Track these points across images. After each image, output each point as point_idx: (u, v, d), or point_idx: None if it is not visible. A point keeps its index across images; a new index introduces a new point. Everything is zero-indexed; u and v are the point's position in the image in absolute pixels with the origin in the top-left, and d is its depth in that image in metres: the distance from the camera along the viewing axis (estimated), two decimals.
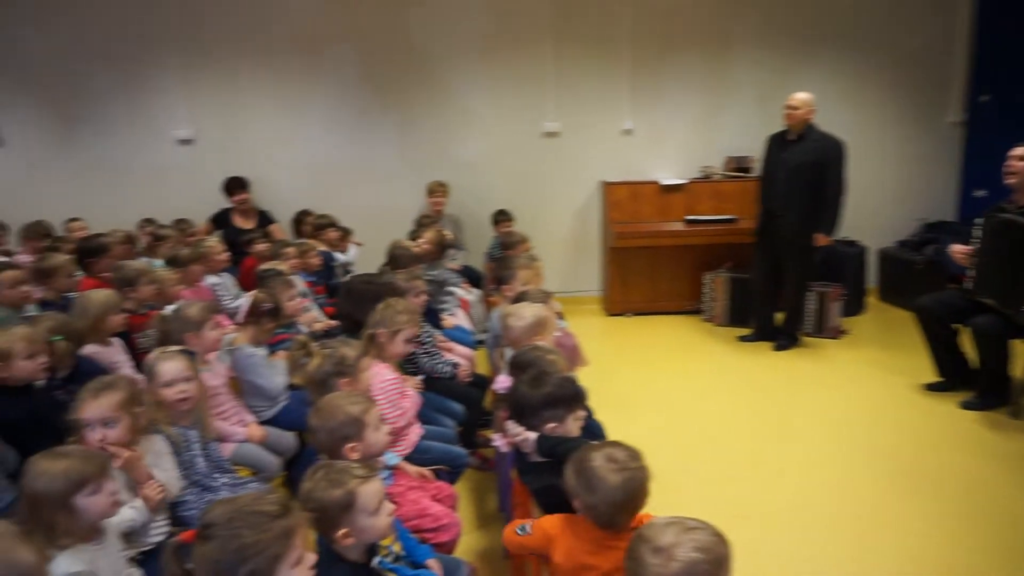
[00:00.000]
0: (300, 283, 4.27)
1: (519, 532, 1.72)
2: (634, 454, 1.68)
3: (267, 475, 2.78)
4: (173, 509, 2.23)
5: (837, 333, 5.28)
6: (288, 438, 2.99)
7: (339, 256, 5.13)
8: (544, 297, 2.86)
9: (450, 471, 2.64)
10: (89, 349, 2.91)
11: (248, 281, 4.71)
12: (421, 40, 5.83)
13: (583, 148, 6.07)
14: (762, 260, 5.08)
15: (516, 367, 2.33)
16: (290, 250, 4.29)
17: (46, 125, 5.80)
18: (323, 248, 4.93)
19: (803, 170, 4.68)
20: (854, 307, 5.76)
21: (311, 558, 1.39)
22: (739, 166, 5.96)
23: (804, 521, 2.90)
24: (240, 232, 5.35)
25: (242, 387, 3.02)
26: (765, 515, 2.94)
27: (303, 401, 3.09)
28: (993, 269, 3.73)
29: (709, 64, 6.00)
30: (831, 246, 4.98)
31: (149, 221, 5.29)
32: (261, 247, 4.88)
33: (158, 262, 4.29)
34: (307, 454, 3.04)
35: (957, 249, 3.92)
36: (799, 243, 4.81)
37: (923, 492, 3.09)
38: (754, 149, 5.55)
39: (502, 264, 3.50)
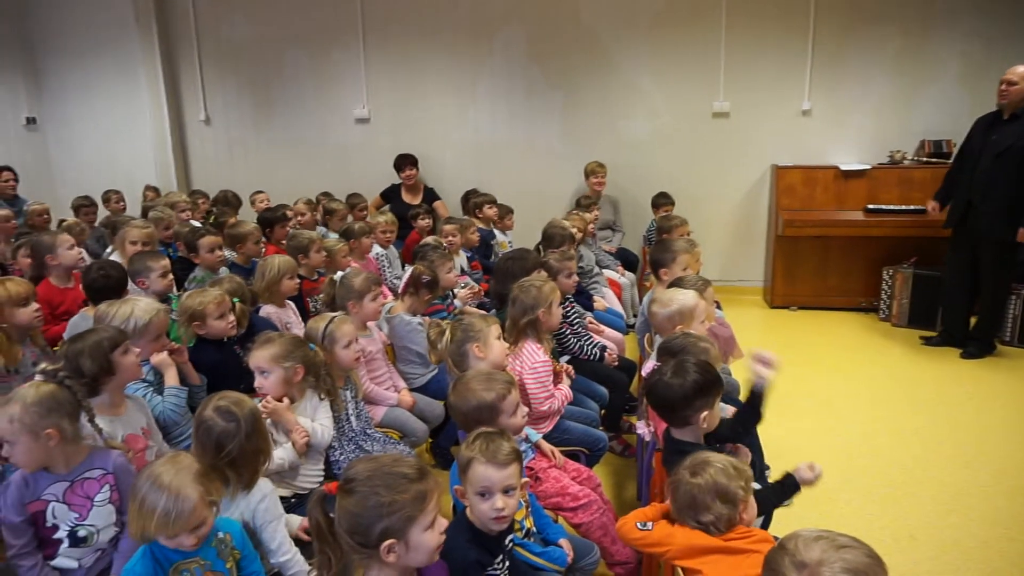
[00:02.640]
0: (462, 258, 4.43)
1: (640, 527, 1.65)
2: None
3: (414, 440, 2.91)
4: (329, 461, 2.40)
5: None
6: (436, 406, 3.11)
7: (499, 234, 5.24)
8: (702, 285, 2.73)
9: (589, 454, 2.62)
10: (267, 310, 3.19)
11: (411, 254, 4.96)
12: (589, 17, 5.77)
13: (754, 129, 5.74)
14: (957, 256, 4.55)
15: (665, 353, 2.26)
16: (449, 227, 4.43)
17: (245, 105, 6.42)
18: (481, 226, 5.05)
19: (1013, 155, 4.12)
20: None
21: (443, 523, 1.43)
22: (936, 151, 5.35)
23: (988, 549, 2.58)
24: (407, 207, 5.62)
25: (398, 354, 3.18)
26: (938, 538, 2.64)
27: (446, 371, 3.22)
28: None
29: (907, 37, 5.41)
30: None
31: (326, 195, 5.70)
32: (424, 222, 5.10)
33: (333, 234, 4.61)
34: (452, 423, 3.17)
35: None
36: (1000, 238, 4.25)
37: None
38: (956, 132, 4.96)
39: (661, 247, 3.38)
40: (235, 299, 2.80)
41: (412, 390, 3.08)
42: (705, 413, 1.89)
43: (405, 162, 5.88)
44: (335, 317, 2.61)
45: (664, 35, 5.69)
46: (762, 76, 5.63)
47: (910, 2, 5.35)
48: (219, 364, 2.67)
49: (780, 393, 3.92)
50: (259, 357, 2.25)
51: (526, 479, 1.81)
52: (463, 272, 4.26)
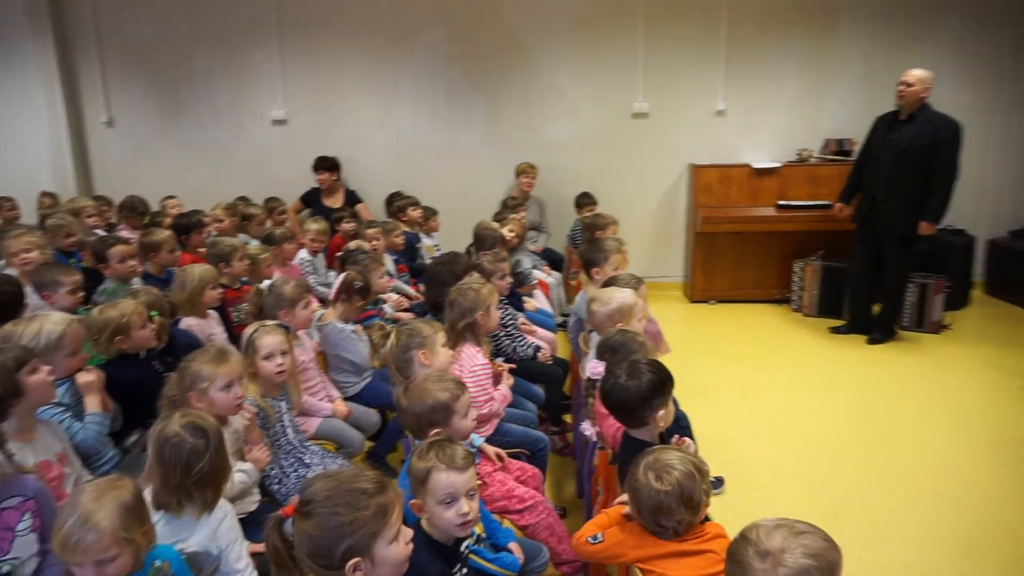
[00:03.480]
0: (388, 262, 4.37)
1: (591, 541, 1.67)
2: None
3: (351, 451, 2.85)
4: (263, 480, 2.31)
5: (938, 327, 4.97)
6: (371, 415, 3.05)
7: (424, 237, 5.19)
8: (635, 283, 2.79)
9: (530, 455, 2.63)
10: (188, 322, 3.05)
11: (338, 259, 4.84)
12: (511, 19, 5.80)
13: (672, 129, 5.91)
14: (861, 248, 4.83)
15: (606, 350, 2.29)
16: (373, 230, 4.36)
17: (153, 107, 6.10)
18: (406, 228, 4.99)
19: (912, 153, 4.41)
20: (957, 301, 5.40)
21: (408, 533, 1.41)
22: (840, 149, 5.67)
23: (905, 524, 2.74)
24: (328, 211, 5.49)
25: (330, 363, 3.10)
26: (860, 516, 2.80)
27: (385, 379, 3.16)
28: None
29: (812, 40, 5.70)
30: (936, 235, 4.68)
31: (243, 199, 5.50)
32: (347, 226, 4.99)
33: (254, 241, 4.45)
34: (389, 431, 3.12)
35: None
36: (901, 231, 4.55)
37: None
38: (857, 131, 5.26)
39: (593, 247, 3.43)
40: (153, 312, 2.66)
41: (346, 399, 3.01)
42: (661, 412, 1.92)
43: (321, 166, 5.74)
44: (262, 326, 2.52)
45: (585, 37, 5.78)
46: (679, 77, 5.80)
47: (816, 6, 5.64)
48: (139, 380, 2.51)
49: (705, 384, 4.10)
50: (223, 372, 2.11)
51: (479, 483, 1.80)
52: (391, 276, 4.20)
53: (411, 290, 4.42)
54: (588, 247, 3.51)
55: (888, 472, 3.15)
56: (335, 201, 5.77)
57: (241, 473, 2.09)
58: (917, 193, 4.43)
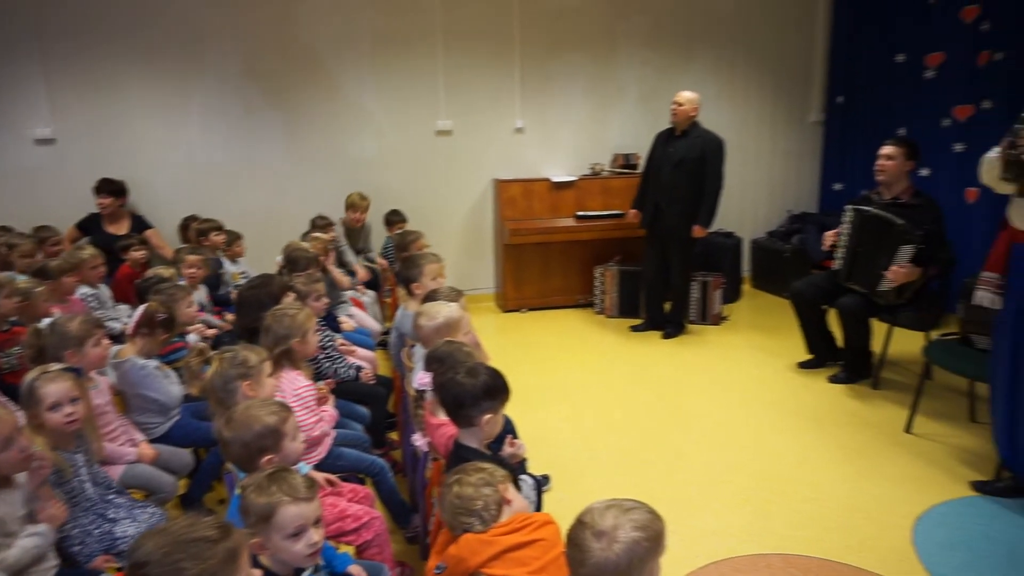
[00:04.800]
0: (201, 291, 4.09)
1: (437, 572, 1.70)
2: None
3: (163, 496, 2.62)
4: (60, 541, 2.06)
5: (719, 319, 5.61)
6: (183, 455, 2.83)
7: (228, 263, 4.90)
8: (456, 296, 2.86)
9: (368, 478, 2.60)
10: None
11: (123, 290, 4.42)
12: (309, 36, 5.65)
13: (476, 146, 6.11)
14: (651, 252, 5.31)
15: (435, 362, 2.33)
16: (194, 257, 4.06)
17: None
18: (209, 254, 4.68)
19: (686, 165, 4.93)
20: (732, 294, 6.13)
21: (256, 574, 1.34)
22: (626, 163, 6.20)
23: (706, 496, 3.07)
24: (112, 238, 4.99)
25: (130, 403, 2.83)
26: (669, 494, 3.08)
27: (196, 414, 2.95)
28: (858, 257, 4.09)
29: (596, 64, 6.19)
30: (709, 238, 5.29)
31: (5, 229, 4.83)
32: (138, 254, 4.59)
33: (21, 276, 3.92)
34: (204, 470, 2.91)
35: (829, 234, 4.26)
36: (681, 235, 5.07)
37: (809, 460, 3.35)
38: (640, 146, 5.80)
39: (409, 263, 3.46)
40: None
41: (152, 441, 2.76)
42: (488, 416, 1.99)
43: (104, 189, 5.20)
44: (44, 372, 2.24)
45: (385, 56, 5.80)
46: (479, 96, 6.02)
47: (596, 35, 6.14)
48: None
49: (523, 388, 4.24)
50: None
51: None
52: (202, 308, 3.92)
53: (215, 320, 4.15)
54: (404, 264, 3.53)
55: (687, 449, 3.50)
56: (120, 228, 5.25)
57: (33, 537, 1.85)
58: (692, 201, 4.97)
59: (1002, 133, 2.76)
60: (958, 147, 5.15)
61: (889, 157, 4.02)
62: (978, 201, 4.97)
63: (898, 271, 3.80)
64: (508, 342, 5.34)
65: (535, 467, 3.24)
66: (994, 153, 2.81)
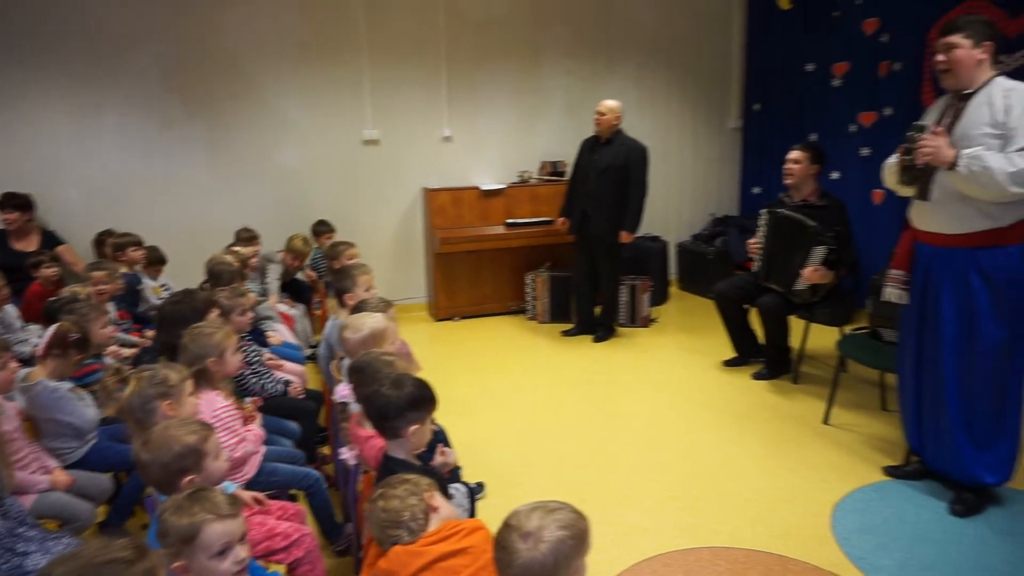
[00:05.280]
0: (111, 309, 3.93)
1: None
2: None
3: (80, 525, 2.51)
4: None
5: (647, 322, 5.74)
6: (101, 480, 2.71)
7: (148, 280, 4.72)
8: (384, 306, 2.84)
9: (303, 493, 2.56)
10: None
11: (34, 310, 4.20)
12: (232, 46, 5.52)
13: (404, 155, 6.08)
14: (580, 258, 5.40)
15: (355, 373, 2.31)
16: (99, 274, 3.88)
17: None
18: (125, 270, 4.51)
19: (611, 172, 5.05)
20: (660, 297, 6.29)
21: None
22: (554, 170, 6.29)
23: (637, 495, 3.13)
24: (19, 255, 4.74)
25: (43, 429, 2.69)
26: (601, 495, 3.14)
27: (114, 437, 2.83)
28: (775, 257, 4.27)
29: (522, 73, 6.26)
30: (636, 242, 5.42)
31: None
32: (49, 271, 4.37)
33: None
34: (125, 495, 2.80)
35: (751, 242, 4.45)
36: (609, 241, 5.18)
37: (734, 455, 3.47)
38: (567, 154, 5.89)
39: (341, 274, 3.41)
40: None
41: (68, 467, 2.64)
42: (415, 427, 1.98)
43: (8, 203, 4.93)
44: None
45: (310, 66, 5.71)
46: (406, 105, 6.00)
47: (521, 45, 6.21)
48: None
49: (456, 396, 4.29)
50: None
51: None
52: (116, 325, 3.77)
53: (133, 338, 4.00)
54: (336, 275, 3.49)
55: (618, 450, 3.58)
56: (28, 244, 4.99)
57: None
58: (618, 207, 5.09)
59: (902, 139, 2.94)
60: (864, 151, 5.44)
61: (796, 161, 4.24)
62: (883, 203, 5.26)
63: (811, 272, 4.00)
64: (441, 351, 5.33)
65: (469, 475, 3.25)
66: (893, 159, 2.98)
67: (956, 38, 2.67)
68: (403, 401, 1.96)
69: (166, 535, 1.50)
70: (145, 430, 1.94)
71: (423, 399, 2.02)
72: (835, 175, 5.72)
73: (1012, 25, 4.28)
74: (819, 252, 3.99)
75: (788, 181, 4.30)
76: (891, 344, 3.52)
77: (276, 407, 3.11)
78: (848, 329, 4.14)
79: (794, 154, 4.26)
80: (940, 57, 2.72)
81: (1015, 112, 2.57)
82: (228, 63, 5.53)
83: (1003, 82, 2.68)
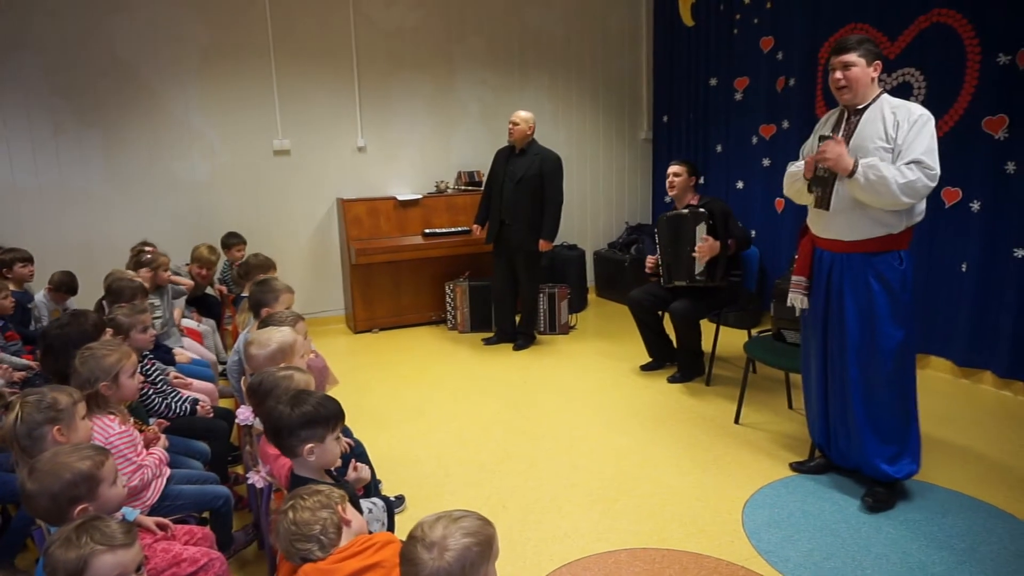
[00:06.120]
0: None
1: None
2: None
3: None
4: None
5: (567, 328, 5.82)
6: None
7: (39, 297, 4.43)
8: (293, 320, 2.75)
9: (211, 516, 2.44)
10: None
11: None
12: (126, 51, 5.27)
13: (317, 166, 5.96)
14: (499, 266, 5.43)
15: (252, 391, 2.23)
16: None
17: None
18: (14, 288, 4.21)
19: (527, 182, 5.10)
20: (578, 304, 6.40)
21: None
22: (471, 180, 6.30)
23: (557, 501, 3.16)
24: None
25: None
26: (522, 502, 3.14)
27: (1, 467, 2.64)
28: (671, 257, 4.46)
29: (437, 83, 6.26)
30: (554, 250, 5.49)
31: None
32: None
33: None
34: (13, 528, 2.61)
35: (649, 261, 4.66)
36: (527, 249, 5.23)
37: (651, 458, 3.55)
38: (483, 163, 5.92)
39: (262, 287, 3.28)
40: None
41: None
42: (311, 445, 1.91)
43: None
44: None
45: (214, 73, 5.53)
46: (318, 115, 5.89)
47: (436, 56, 6.21)
48: None
49: (376, 409, 4.23)
50: None
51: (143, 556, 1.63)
52: None
53: (23, 360, 3.74)
54: (257, 288, 3.36)
55: (539, 457, 3.60)
56: None
57: None
58: (535, 216, 5.15)
59: (798, 150, 3.09)
60: (766, 162, 5.71)
61: (677, 174, 4.52)
62: (784, 211, 5.54)
63: (702, 247, 4.24)
64: (360, 363, 5.24)
65: (389, 487, 3.21)
66: (794, 167, 3.12)
67: (852, 56, 2.81)
68: (296, 419, 1.88)
69: (54, 571, 1.40)
70: (33, 458, 1.81)
71: (320, 417, 1.92)
72: (739, 184, 5.97)
73: (893, 48, 4.59)
74: (701, 228, 4.27)
75: (672, 192, 4.59)
76: (793, 345, 3.69)
77: (184, 427, 2.97)
78: (755, 332, 4.32)
79: (675, 168, 4.55)
80: (838, 75, 2.85)
81: (903, 128, 2.74)
82: (122, 69, 5.29)
83: (889, 99, 2.85)
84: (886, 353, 2.92)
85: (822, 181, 2.95)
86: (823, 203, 2.97)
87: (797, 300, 3.16)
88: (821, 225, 3.04)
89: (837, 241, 2.97)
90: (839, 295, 2.99)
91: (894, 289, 2.88)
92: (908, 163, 2.70)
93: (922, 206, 2.86)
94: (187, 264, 5.06)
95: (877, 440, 3.00)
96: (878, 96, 2.87)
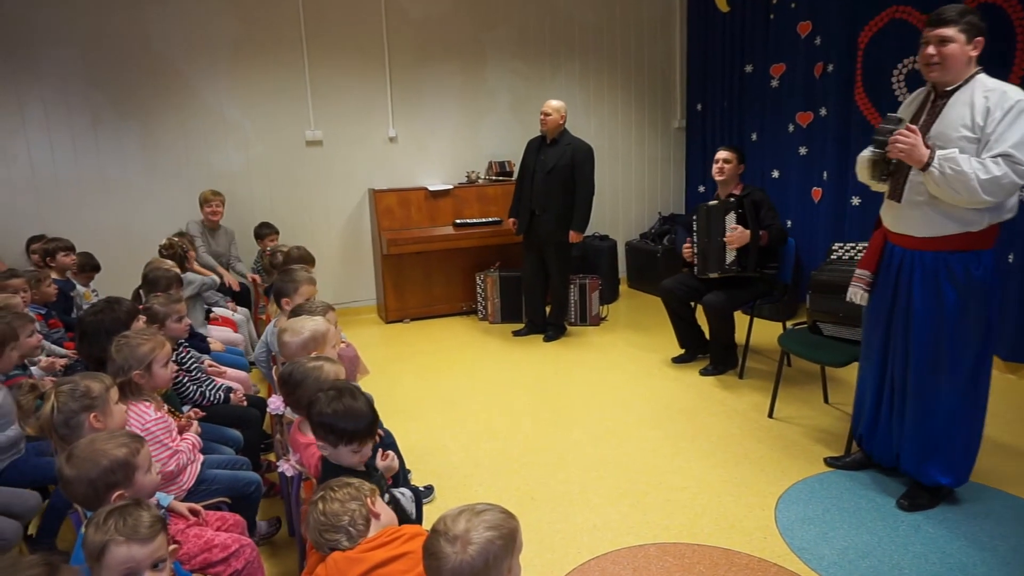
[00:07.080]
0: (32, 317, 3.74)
1: None
2: None
3: (3, 543, 2.38)
4: None
5: (598, 320, 5.78)
6: (27, 497, 2.58)
7: (80, 285, 4.54)
8: (324, 309, 2.77)
9: (231, 502, 2.47)
10: None
11: None
12: (161, 45, 5.35)
13: (349, 156, 6.00)
14: (529, 258, 5.41)
15: (284, 381, 2.25)
16: (17, 280, 3.70)
17: None
18: (56, 276, 4.32)
19: (558, 172, 5.06)
20: (610, 295, 6.34)
21: None
22: (501, 170, 6.28)
23: (586, 493, 3.14)
24: None
25: None
26: (551, 494, 3.13)
27: (40, 452, 2.70)
28: (705, 247, 4.38)
29: (466, 73, 6.24)
30: (585, 241, 5.45)
31: None
32: None
33: None
34: (53, 510, 2.67)
35: (685, 247, 4.56)
36: (558, 240, 5.20)
37: (681, 451, 3.51)
38: (514, 153, 5.90)
39: (284, 276, 3.32)
40: None
41: None
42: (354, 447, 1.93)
43: None
44: None
45: (247, 65, 5.59)
46: (349, 105, 5.91)
47: (464, 44, 6.19)
48: None
49: (407, 399, 4.25)
50: None
51: (174, 546, 1.65)
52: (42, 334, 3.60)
53: (62, 349, 3.83)
54: (279, 277, 3.40)
55: (568, 449, 3.58)
56: None
57: None
58: (566, 206, 5.11)
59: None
60: (802, 150, 5.58)
61: (727, 160, 4.39)
62: (821, 200, 5.41)
63: (731, 235, 4.16)
64: (391, 353, 5.27)
65: (419, 478, 3.22)
66: (867, 152, 2.81)
67: (951, 31, 2.48)
68: (341, 430, 1.90)
69: (84, 549, 1.44)
70: (69, 444, 1.85)
71: (358, 432, 1.91)
72: (775, 173, 5.85)
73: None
74: (731, 217, 4.19)
75: (720, 178, 4.43)
76: (830, 339, 3.61)
77: (219, 415, 3.02)
78: (790, 324, 4.24)
79: (725, 154, 4.42)
80: (931, 50, 2.52)
81: (994, 116, 2.43)
82: (158, 61, 5.37)
83: (984, 81, 2.52)
84: (952, 361, 2.69)
85: (892, 169, 2.65)
86: (895, 194, 2.70)
87: (857, 296, 2.93)
88: (892, 217, 2.77)
89: (908, 236, 2.70)
90: (907, 294, 2.75)
91: (969, 293, 2.62)
92: (995, 156, 2.40)
93: (1012, 202, 2.54)
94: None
95: (931, 445, 2.81)
96: (972, 76, 2.53)
